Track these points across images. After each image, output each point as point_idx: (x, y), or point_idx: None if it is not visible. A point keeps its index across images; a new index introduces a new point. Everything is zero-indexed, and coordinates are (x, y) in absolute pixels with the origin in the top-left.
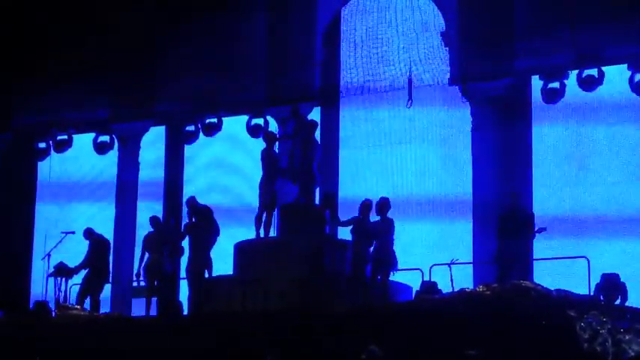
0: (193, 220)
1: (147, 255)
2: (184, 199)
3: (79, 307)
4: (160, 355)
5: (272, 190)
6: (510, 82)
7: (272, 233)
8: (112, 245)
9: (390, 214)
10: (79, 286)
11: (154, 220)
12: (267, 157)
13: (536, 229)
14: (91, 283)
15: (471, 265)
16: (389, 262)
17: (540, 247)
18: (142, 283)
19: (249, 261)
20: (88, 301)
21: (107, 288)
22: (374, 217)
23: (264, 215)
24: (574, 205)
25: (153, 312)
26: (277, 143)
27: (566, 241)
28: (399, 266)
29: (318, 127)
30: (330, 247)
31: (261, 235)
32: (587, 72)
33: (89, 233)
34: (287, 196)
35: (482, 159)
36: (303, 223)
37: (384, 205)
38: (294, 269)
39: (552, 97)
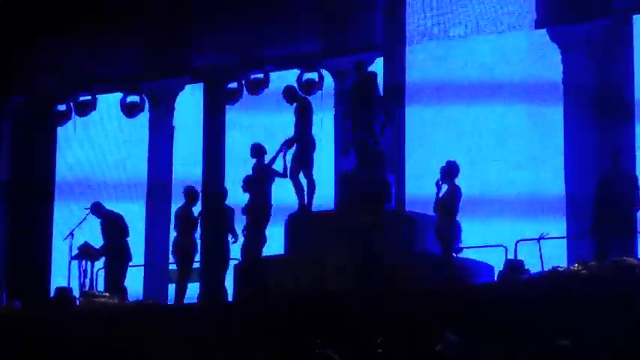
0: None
1: (176, 233)
2: (226, 168)
3: (107, 294)
4: (199, 346)
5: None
6: (607, 24)
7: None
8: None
9: (465, 182)
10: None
11: (188, 191)
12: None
13: None
14: (111, 267)
15: (564, 239)
16: (450, 236)
17: None
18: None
19: (303, 237)
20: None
21: (140, 272)
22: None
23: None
24: None
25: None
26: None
27: None
28: (479, 242)
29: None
30: (394, 222)
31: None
32: None
33: (97, 209)
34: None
35: (575, 114)
36: (364, 194)
37: (450, 170)
38: (352, 246)
39: None
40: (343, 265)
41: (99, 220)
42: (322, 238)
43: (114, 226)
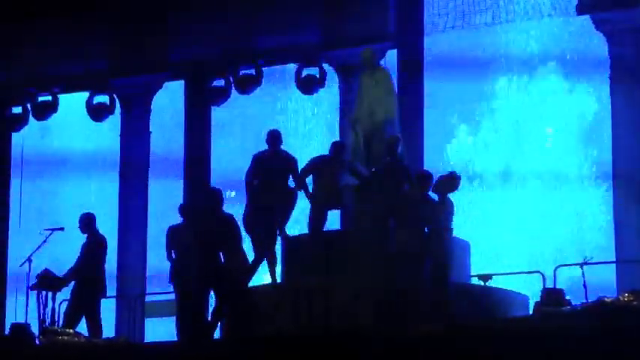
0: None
1: (174, 256)
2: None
3: (71, 330)
4: None
5: None
6: None
7: None
8: (108, 245)
9: (484, 187)
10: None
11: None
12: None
13: None
14: (83, 297)
15: (613, 264)
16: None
17: None
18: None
19: (304, 263)
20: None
21: (109, 303)
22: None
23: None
24: None
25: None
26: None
27: None
28: (511, 268)
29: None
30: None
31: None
32: None
33: (88, 224)
34: None
35: (623, 111)
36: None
37: (452, 181)
38: (367, 274)
39: None
40: (352, 298)
41: (84, 234)
42: (328, 264)
43: (96, 249)
